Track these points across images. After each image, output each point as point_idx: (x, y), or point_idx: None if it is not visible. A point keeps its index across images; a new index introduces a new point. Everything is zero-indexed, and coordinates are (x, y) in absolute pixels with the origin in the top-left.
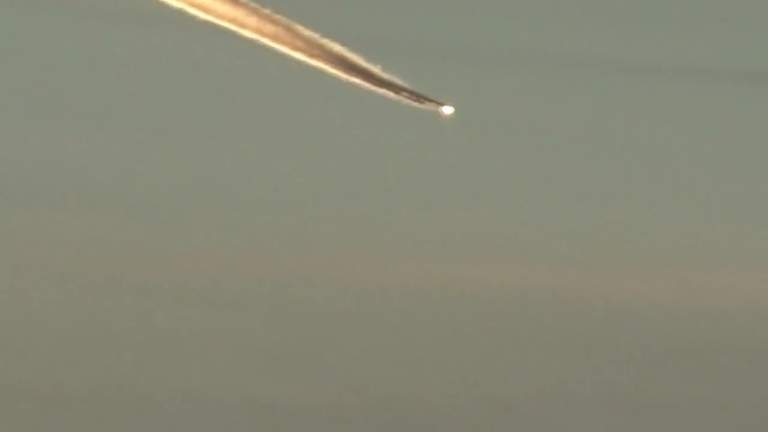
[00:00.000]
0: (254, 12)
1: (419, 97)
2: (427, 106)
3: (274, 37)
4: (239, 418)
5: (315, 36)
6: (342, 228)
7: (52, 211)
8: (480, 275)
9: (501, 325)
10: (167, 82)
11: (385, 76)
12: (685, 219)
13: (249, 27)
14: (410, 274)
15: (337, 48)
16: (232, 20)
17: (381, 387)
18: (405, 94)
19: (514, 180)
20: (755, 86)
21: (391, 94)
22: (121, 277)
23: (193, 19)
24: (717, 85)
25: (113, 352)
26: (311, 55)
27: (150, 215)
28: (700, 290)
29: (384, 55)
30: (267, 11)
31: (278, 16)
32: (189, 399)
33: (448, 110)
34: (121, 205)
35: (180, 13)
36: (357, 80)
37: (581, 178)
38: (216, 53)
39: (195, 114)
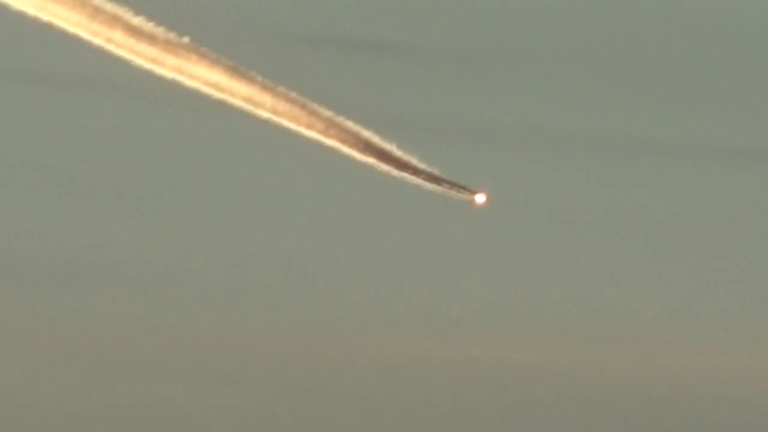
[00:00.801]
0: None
1: (453, 186)
2: (461, 195)
3: (292, 117)
4: None
5: (347, 122)
6: (357, 308)
7: (56, 287)
8: (500, 354)
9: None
10: (183, 160)
11: (420, 164)
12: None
13: (265, 107)
14: (430, 353)
15: (375, 139)
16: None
17: None
18: (440, 182)
19: (531, 261)
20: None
21: (425, 183)
22: (117, 351)
23: (208, 98)
24: (733, 166)
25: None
26: (339, 139)
27: (159, 292)
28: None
29: (404, 135)
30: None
31: (294, 95)
32: None
33: (480, 198)
34: (125, 281)
35: (195, 93)
36: (391, 168)
37: (593, 257)
38: (234, 132)
39: (211, 192)
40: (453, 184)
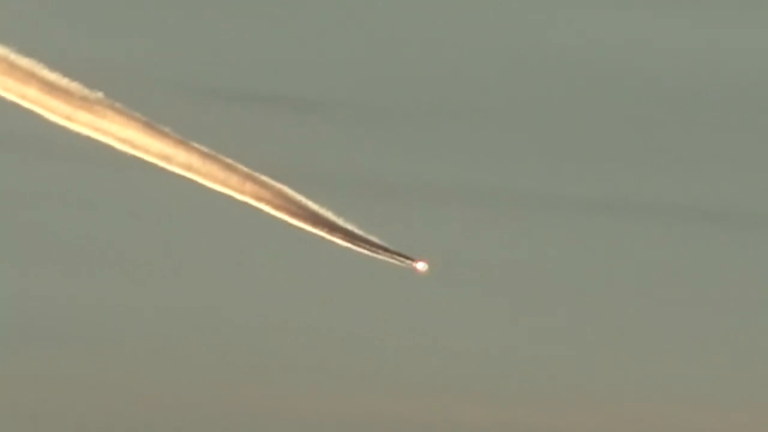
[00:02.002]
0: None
1: (393, 254)
2: (401, 262)
3: (207, 173)
4: None
5: (285, 189)
6: (317, 368)
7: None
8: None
9: None
10: (97, 216)
11: (360, 232)
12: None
13: (213, 178)
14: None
15: (313, 206)
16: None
17: None
18: (378, 250)
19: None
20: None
21: (366, 250)
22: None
23: (122, 153)
24: (695, 224)
25: None
26: (281, 209)
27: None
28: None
29: (338, 193)
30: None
31: (208, 149)
32: None
33: (421, 266)
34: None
35: (109, 148)
36: (334, 237)
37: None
38: (149, 188)
39: (122, 247)
40: (395, 253)
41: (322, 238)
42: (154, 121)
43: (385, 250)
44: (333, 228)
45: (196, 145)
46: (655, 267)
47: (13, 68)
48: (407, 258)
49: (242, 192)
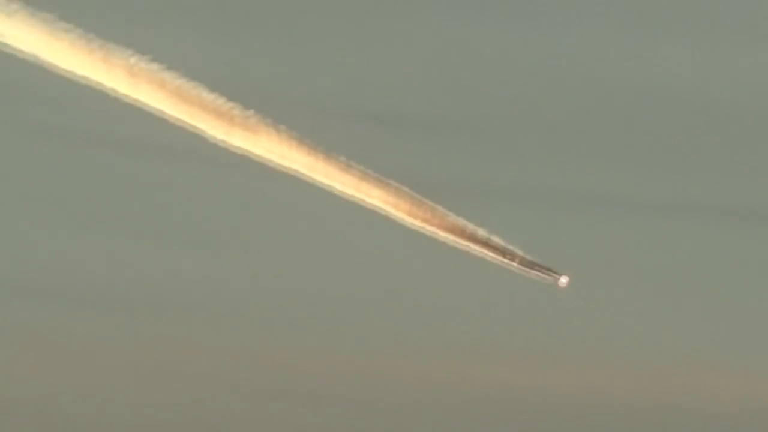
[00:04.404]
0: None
1: (541, 269)
2: (544, 276)
3: (352, 186)
4: None
5: (439, 209)
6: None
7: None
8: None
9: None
10: (249, 214)
11: (506, 245)
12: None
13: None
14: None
15: (461, 221)
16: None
17: None
18: (530, 266)
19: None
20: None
21: (514, 266)
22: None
23: (272, 164)
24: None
25: None
26: (431, 224)
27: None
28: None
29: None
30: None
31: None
32: None
33: (563, 281)
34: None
35: (262, 160)
36: (484, 251)
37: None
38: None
39: (268, 240)
40: (541, 267)
41: (469, 251)
42: (298, 136)
43: (531, 264)
44: (480, 242)
45: (337, 158)
46: None
47: (180, 91)
48: (552, 272)
49: (388, 204)
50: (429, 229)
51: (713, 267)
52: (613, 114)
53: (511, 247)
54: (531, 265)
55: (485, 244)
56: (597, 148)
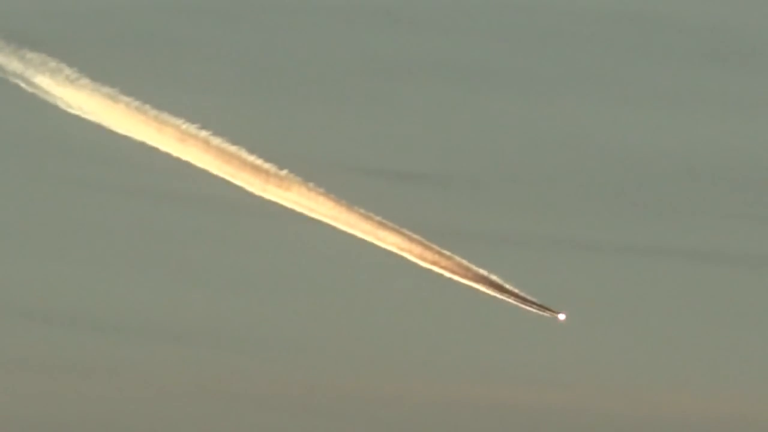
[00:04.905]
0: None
1: (539, 307)
2: (544, 313)
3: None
4: None
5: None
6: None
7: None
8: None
9: None
10: (266, 257)
11: (512, 288)
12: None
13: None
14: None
15: (466, 263)
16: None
17: None
18: (529, 304)
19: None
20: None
21: (516, 303)
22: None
23: (301, 215)
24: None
25: None
26: (445, 269)
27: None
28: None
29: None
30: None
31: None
32: None
33: (561, 317)
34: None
35: (291, 211)
36: (491, 291)
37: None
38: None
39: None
40: (539, 306)
41: (475, 291)
42: (324, 191)
43: (531, 302)
44: (510, 295)
45: (357, 209)
46: None
47: (223, 152)
48: (550, 310)
49: (402, 249)
50: (437, 270)
51: (682, 302)
52: (600, 171)
53: (509, 286)
54: (530, 302)
55: (488, 283)
56: (589, 200)
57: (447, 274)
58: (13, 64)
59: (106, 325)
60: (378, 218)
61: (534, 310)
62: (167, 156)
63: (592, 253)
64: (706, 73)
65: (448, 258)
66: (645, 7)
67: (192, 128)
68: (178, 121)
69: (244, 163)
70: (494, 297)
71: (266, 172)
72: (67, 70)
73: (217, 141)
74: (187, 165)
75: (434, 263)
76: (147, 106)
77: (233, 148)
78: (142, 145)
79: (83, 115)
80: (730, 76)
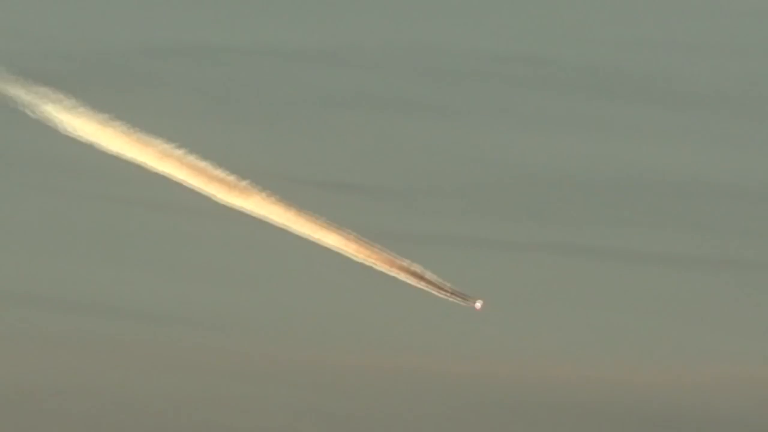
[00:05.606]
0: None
1: (456, 295)
2: (462, 302)
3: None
4: None
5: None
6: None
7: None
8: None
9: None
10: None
11: (432, 276)
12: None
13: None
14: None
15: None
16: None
17: None
18: (447, 292)
19: None
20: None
21: (435, 291)
22: None
23: (270, 223)
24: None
25: None
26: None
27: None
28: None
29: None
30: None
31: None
32: None
33: (478, 304)
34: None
35: (262, 221)
36: (410, 279)
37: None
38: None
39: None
40: (457, 293)
41: (408, 283)
42: (278, 198)
43: (451, 291)
44: (429, 283)
45: (306, 214)
46: None
47: (195, 167)
48: (468, 298)
49: (342, 248)
50: (369, 264)
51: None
52: (501, 183)
53: (436, 278)
54: (450, 291)
55: (414, 275)
56: (496, 206)
57: (378, 267)
58: (23, 96)
59: (99, 307)
60: (321, 221)
61: (453, 299)
62: (150, 170)
63: (504, 250)
64: (583, 102)
65: (379, 253)
66: (535, 50)
67: (170, 147)
68: (159, 142)
69: (212, 176)
70: (420, 287)
71: (230, 183)
72: (67, 101)
73: (190, 158)
74: (166, 178)
75: (367, 258)
76: (134, 129)
77: (203, 163)
78: (129, 162)
79: (80, 137)
80: (603, 104)
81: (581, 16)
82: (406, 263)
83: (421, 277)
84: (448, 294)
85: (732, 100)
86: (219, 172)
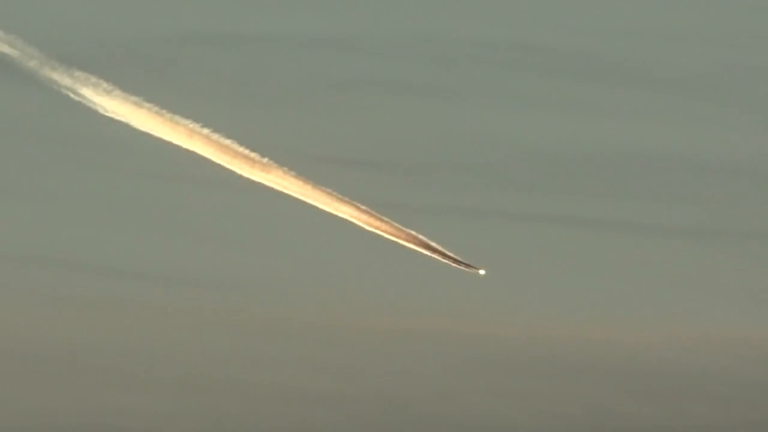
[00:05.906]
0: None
1: (460, 262)
2: (466, 268)
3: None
4: None
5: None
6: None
7: None
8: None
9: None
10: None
11: (438, 246)
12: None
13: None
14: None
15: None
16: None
17: None
18: (452, 260)
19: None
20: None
21: (440, 259)
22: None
23: (289, 195)
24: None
25: None
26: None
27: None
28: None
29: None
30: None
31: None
32: None
33: (482, 272)
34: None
35: (279, 193)
36: (419, 248)
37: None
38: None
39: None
40: (461, 262)
41: (416, 251)
42: (295, 174)
43: (456, 260)
44: (436, 252)
45: (322, 188)
46: None
47: (220, 145)
48: (471, 266)
49: (354, 218)
50: (380, 233)
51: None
52: (501, 159)
53: (438, 247)
54: (455, 260)
55: (421, 244)
56: (497, 180)
57: (387, 236)
58: (65, 80)
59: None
60: (335, 194)
61: (456, 266)
62: (179, 148)
63: (505, 220)
64: (573, 85)
65: (388, 223)
66: (529, 38)
67: (197, 127)
68: (187, 122)
69: (236, 153)
70: (425, 255)
71: (252, 160)
72: (104, 84)
73: (216, 136)
74: (194, 154)
75: (378, 228)
76: (164, 111)
77: (228, 141)
78: (159, 140)
79: (116, 117)
80: (591, 87)
81: (572, 7)
82: (413, 233)
83: (427, 246)
84: (452, 261)
85: (709, 83)
86: (242, 150)
